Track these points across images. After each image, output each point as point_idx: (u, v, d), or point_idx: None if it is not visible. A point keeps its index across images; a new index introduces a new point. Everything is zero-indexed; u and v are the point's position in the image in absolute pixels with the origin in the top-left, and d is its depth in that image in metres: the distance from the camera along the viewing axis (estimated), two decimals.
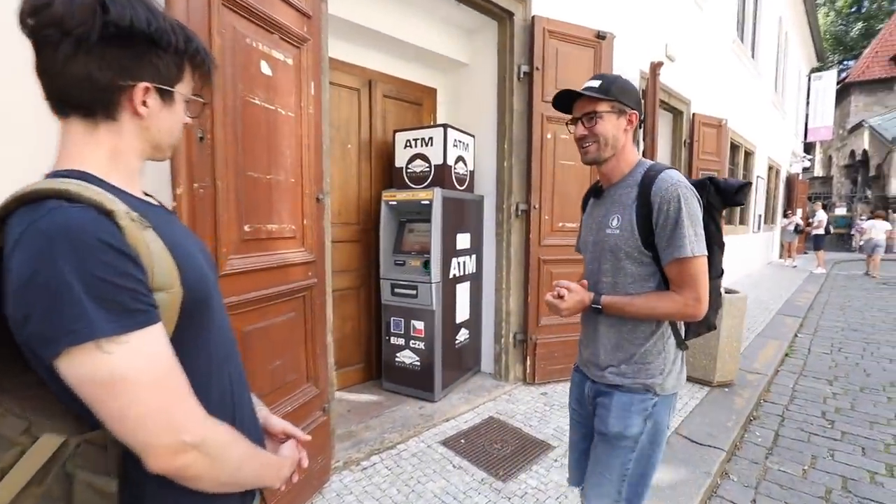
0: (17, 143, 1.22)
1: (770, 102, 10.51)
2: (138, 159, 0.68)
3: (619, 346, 1.27)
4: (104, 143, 0.63)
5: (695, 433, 2.64)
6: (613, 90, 1.21)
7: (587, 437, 1.40)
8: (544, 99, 3.22)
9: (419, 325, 3.04)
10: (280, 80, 1.79)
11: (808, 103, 16.98)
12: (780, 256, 12.81)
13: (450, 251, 3.07)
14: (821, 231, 11.22)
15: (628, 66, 4.11)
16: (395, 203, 3.12)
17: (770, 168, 11.11)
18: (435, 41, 3.30)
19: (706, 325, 1.34)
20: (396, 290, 3.09)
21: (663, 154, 5.68)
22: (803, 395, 3.51)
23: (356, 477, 2.24)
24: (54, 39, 0.56)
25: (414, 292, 3.02)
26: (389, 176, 3.36)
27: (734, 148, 7.88)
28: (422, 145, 3.10)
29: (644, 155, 3.94)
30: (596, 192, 1.36)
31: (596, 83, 1.23)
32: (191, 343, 0.64)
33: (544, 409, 3.00)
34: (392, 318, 3.14)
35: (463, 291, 3.28)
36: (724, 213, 1.40)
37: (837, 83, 17.57)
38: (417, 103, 3.61)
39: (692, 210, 1.15)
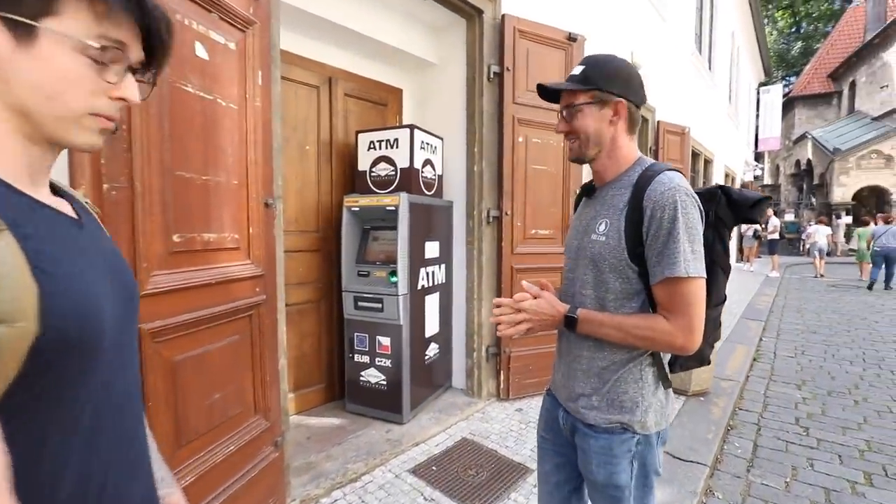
0: None
1: (725, 113, 10.95)
2: (8, 136, 0.47)
3: (591, 370, 1.09)
4: None
5: (677, 448, 2.53)
6: (594, 77, 1.04)
7: (561, 469, 1.21)
8: (515, 101, 3.08)
9: (385, 340, 2.80)
10: (220, 67, 1.55)
11: (757, 115, 17.97)
12: (738, 261, 13.31)
13: (418, 260, 2.86)
14: (775, 236, 11.85)
15: None
16: (357, 209, 2.88)
17: (727, 175, 11.55)
18: (401, 38, 3.11)
19: (698, 359, 1.16)
20: (360, 304, 2.85)
21: None
22: (775, 402, 3.50)
23: None
24: None
25: (379, 305, 2.78)
26: (352, 180, 3.12)
27: (695, 156, 8.10)
28: (387, 147, 2.88)
29: None
30: (588, 190, 1.18)
31: (578, 70, 1.07)
32: (40, 406, 0.43)
33: (520, 428, 2.82)
34: (356, 334, 2.89)
35: (432, 303, 3.07)
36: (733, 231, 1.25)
37: (783, 97, 18.74)
38: (382, 104, 3.40)
39: (690, 221, 0.96)
